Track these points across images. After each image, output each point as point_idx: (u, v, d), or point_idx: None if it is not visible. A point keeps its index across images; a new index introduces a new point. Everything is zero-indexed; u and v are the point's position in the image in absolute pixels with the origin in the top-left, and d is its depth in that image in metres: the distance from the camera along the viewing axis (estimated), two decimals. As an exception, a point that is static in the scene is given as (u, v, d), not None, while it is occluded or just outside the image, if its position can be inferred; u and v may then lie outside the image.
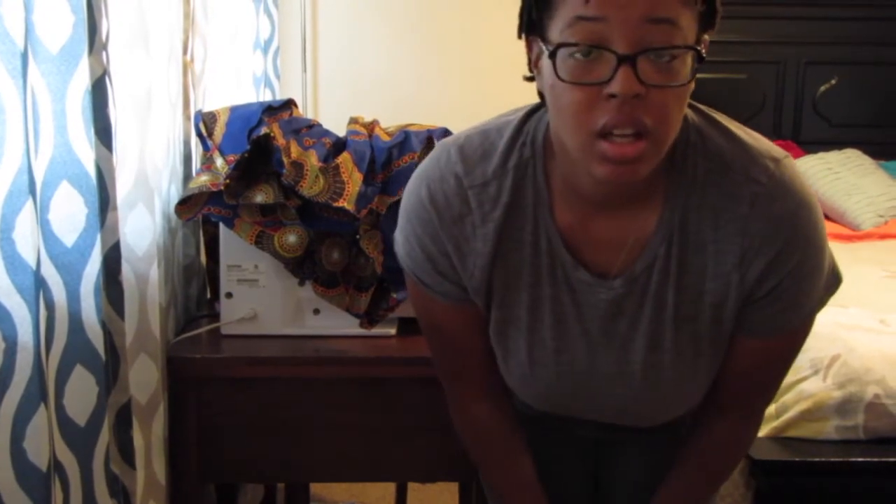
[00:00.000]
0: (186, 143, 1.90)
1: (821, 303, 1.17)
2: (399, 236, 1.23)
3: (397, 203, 1.41)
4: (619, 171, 1.00)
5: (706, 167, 1.10)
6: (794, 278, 1.11)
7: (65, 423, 1.26)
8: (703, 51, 1.01)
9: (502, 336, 1.21)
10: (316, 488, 2.75)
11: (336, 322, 1.75)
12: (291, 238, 1.68)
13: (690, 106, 1.12)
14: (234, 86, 2.34)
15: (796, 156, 3.51)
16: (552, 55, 0.99)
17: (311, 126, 1.81)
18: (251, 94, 2.55)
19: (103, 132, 1.28)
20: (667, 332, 1.14)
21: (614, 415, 1.27)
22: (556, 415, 1.33)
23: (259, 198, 1.65)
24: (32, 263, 1.13)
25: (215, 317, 1.81)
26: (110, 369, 1.33)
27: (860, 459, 1.73)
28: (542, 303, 1.16)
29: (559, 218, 1.14)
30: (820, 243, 1.12)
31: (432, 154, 1.18)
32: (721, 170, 1.10)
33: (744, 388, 1.24)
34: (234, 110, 1.81)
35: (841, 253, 2.88)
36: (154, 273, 1.55)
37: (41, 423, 1.15)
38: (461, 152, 1.15)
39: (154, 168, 1.57)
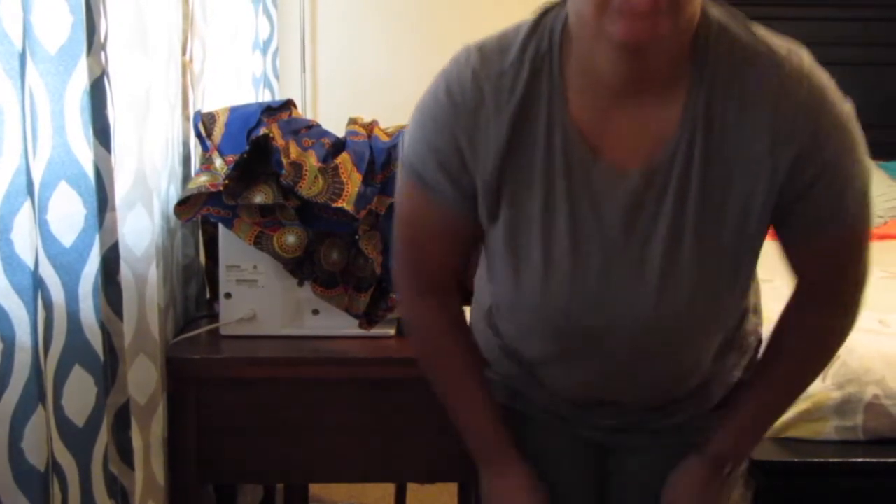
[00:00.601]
0: (185, 144, 1.90)
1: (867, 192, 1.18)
2: (407, 137, 1.20)
3: (397, 204, 1.41)
4: (635, 27, 0.99)
5: (730, 56, 1.09)
6: (835, 167, 1.10)
7: (63, 423, 1.26)
8: None
9: (514, 240, 1.16)
10: (315, 489, 2.75)
11: (335, 322, 1.75)
12: (290, 238, 1.68)
13: (713, 0, 1.12)
14: (233, 86, 2.34)
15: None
16: None
17: (311, 126, 1.81)
18: (250, 95, 2.55)
19: (102, 133, 1.28)
20: (687, 232, 1.10)
21: (628, 353, 1.20)
22: (564, 397, 1.30)
23: (258, 198, 1.65)
24: (31, 264, 1.13)
25: (214, 317, 1.81)
26: (109, 370, 1.33)
27: (859, 460, 1.72)
28: (558, 199, 1.12)
29: (576, 112, 1.11)
30: (852, 129, 1.12)
31: (453, 56, 1.17)
32: (746, 58, 1.09)
33: (823, 285, 1.21)
34: (234, 111, 1.81)
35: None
36: (153, 273, 1.54)
37: (39, 423, 1.14)
38: (480, 51, 1.14)
39: (153, 168, 1.57)
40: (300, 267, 1.71)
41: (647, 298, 1.14)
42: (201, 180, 1.69)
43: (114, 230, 1.32)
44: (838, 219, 1.14)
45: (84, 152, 1.25)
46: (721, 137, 1.09)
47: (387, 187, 1.70)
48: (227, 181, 1.64)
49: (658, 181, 1.10)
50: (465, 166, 1.15)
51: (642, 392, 1.27)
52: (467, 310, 1.38)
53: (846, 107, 1.12)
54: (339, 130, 1.83)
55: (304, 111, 3.15)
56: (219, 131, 1.76)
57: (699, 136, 1.09)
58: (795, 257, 1.19)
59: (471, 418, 1.32)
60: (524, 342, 1.27)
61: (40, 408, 1.15)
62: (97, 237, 1.27)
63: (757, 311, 1.32)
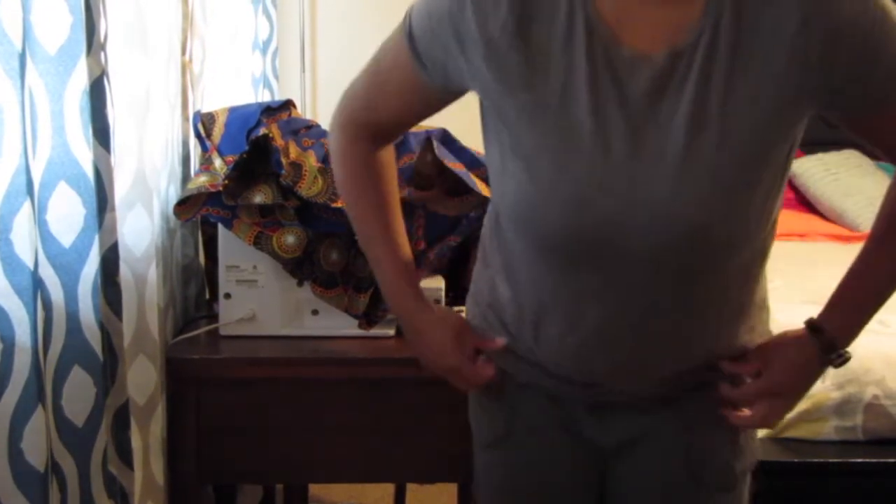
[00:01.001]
0: (185, 144, 1.90)
1: None
2: (421, 7, 1.17)
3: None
4: None
5: None
6: (878, 39, 1.05)
7: (62, 423, 1.26)
8: None
9: (530, 126, 1.11)
10: (314, 489, 2.75)
11: (335, 323, 1.75)
12: (290, 239, 1.68)
13: None
14: (232, 86, 2.34)
15: (795, 157, 3.51)
16: None
17: (310, 127, 1.81)
18: (250, 95, 2.55)
19: (101, 133, 1.28)
20: (710, 118, 1.07)
21: (642, 268, 1.12)
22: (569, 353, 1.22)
23: (258, 198, 1.65)
24: (30, 264, 1.13)
25: (214, 317, 1.81)
26: (108, 370, 1.33)
27: (859, 460, 1.72)
28: (578, 80, 1.08)
29: (598, 4, 1.08)
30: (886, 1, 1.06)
31: None
32: None
33: None
34: (233, 111, 1.81)
35: (839, 254, 2.88)
36: (152, 274, 1.54)
37: (39, 423, 1.14)
38: None
39: (152, 168, 1.57)
40: (300, 267, 1.71)
41: (666, 183, 1.08)
42: (201, 180, 1.69)
43: (113, 230, 1.32)
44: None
45: (83, 152, 1.25)
46: (748, 21, 1.05)
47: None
48: (226, 181, 1.64)
49: (682, 65, 1.06)
50: (464, 55, 1.12)
51: (647, 355, 1.20)
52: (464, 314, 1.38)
53: None
54: (339, 130, 1.83)
55: (304, 111, 3.15)
56: (218, 131, 1.76)
57: (725, 19, 1.05)
58: (882, 133, 1.15)
59: (382, 261, 1.33)
60: (527, 273, 1.21)
61: (40, 408, 1.15)
62: (96, 237, 1.27)
63: (766, 306, 1.29)
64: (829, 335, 1.21)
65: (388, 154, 1.33)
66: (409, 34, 1.17)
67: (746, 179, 1.09)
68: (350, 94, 1.30)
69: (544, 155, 1.10)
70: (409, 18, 1.18)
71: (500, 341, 1.26)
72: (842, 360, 1.21)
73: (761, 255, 1.21)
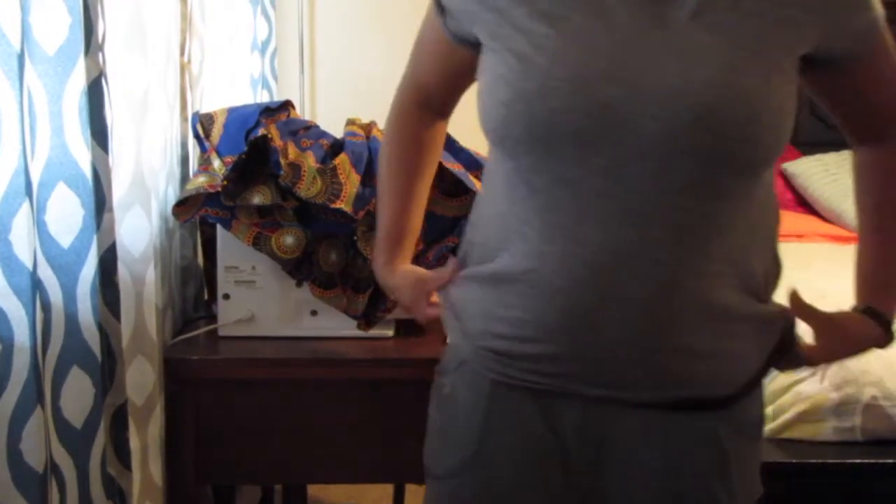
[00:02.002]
0: (184, 145, 1.90)
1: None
2: None
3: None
4: None
5: None
6: None
7: (61, 424, 1.26)
8: None
9: (536, 20, 1.07)
10: (313, 490, 2.75)
11: (333, 323, 1.75)
12: (289, 239, 1.68)
13: None
14: (231, 87, 2.34)
15: (794, 157, 3.51)
16: None
17: (309, 127, 1.81)
18: (248, 96, 2.55)
19: (99, 133, 1.28)
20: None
21: (657, 134, 1.03)
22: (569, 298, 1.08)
23: (257, 199, 1.65)
24: (29, 265, 1.13)
25: (212, 318, 1.81)
26: (107, 371, 1.33)
27: (857, 461, 1.73)
28: None
29: None
30: None
31: None
32: None
33: (883, 112, 1.19)
34: (232, 111, 1.81)
35: (838, 254, 2.89)
36: (151, 274, 1.54)
37: (38, 424, 1.14)
38: None
39: (151, 169, 1.57)
40: (298, 268, 1.71)
41: (673, 61, 1.03)
42: (199, 181, 1.69)
43: (111, 231, 1.32)
44: (873, 30, 1.12)
45: (82, 153, 1.25)
46: None
47: (385, 188, 1.70)
48: (225, 182, 1.64)
49: None
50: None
51: (638, 281, 1.07)
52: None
53: None
54: (338, 131, 1.83)
55: (303, 112, 3.15)
56: (217, 132, 1.76)
57: None
58: (850, 94, 1.17)
59: (387, 208, 1.37)
60: (518, 208, 1.11)
61: (39, 409, 1.15)
62: (95, 238, 1.27)
63: (779, 270, 1.25)
64: (886, 316, 1.22)
65: (436, 131, 1.37)
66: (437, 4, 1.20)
67: (754, 69, 1.04)
68: (403, 75, 1.35)
69: (547, 41, 1.06)
70: None
71: (450, 268, 1.24)
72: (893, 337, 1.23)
73: (774, 200, 1.18)
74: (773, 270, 1.22)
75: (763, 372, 1.19)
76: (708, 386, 1.13)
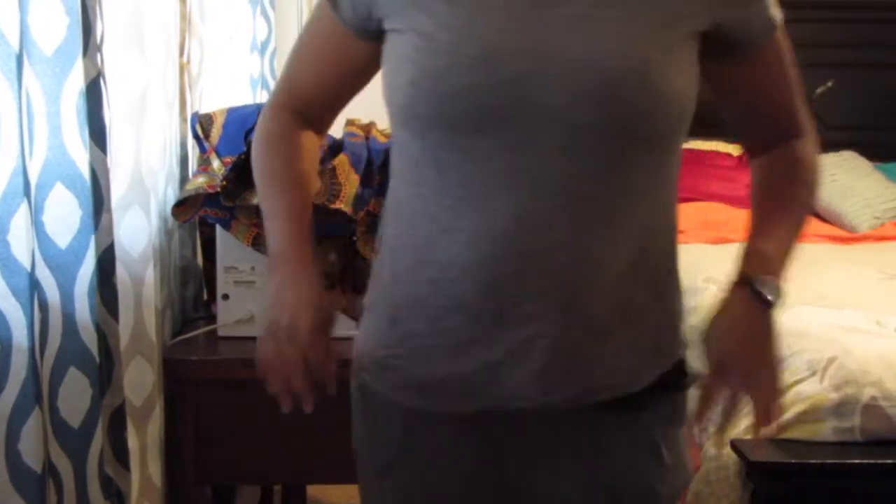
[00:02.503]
0: (183, 145, 1.90)
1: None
2: None
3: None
4: None
5: None
6: None
7: (59, 425, 1.26)
8: None
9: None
10: (312, 490, 2.75)
11: (332, 324, 1.75)
12: (288, 240, 1.68)
13: None
14: (230, 87, 2.34)
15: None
16: None
17: (308, 128, 1.81)
18: (248, 96, 2.55)
19: (98, 134, 1.27)
20: None
21: (563, 108, 1.03)
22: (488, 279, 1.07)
23: (256, 199, 1.65)
24: (27, 265, 1.13)
25: (212, 318, 1.81)
26: (105, 371, 1.33)
27: (857, 461, 1.72)
28: None
29: None
30: None
31: None
32: None
33: (774, 113, 1.21)
34: (231, 112, 1.81)
35: (837, 255, 2.89)
36: (150, 275, 1.54)
37: (36, 425, 1.14)
38: None
39: (150, 170, 1.57)
40: (297, 268, 1.70)
41: (576, 33, 1.04)
42: (199, 181, 1.69)
43: (110, 231, 1.32)
44: (772, 27, 1.15)
45: (80, 153, 1.25)
46: None
47: (384, 189, 1.70)
48: (224, 182, 1.64)
49: None
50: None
51: (558, 268, 1.07)
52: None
53: None
54: (337, 132, 1.82)
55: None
56: (216, 132, 1.76)
57: None
58: (746, 91, 1.19)
59: (276, 218, 1.22)
60: (426, 192, 1.10)
61: (36, 409, 1.15)
62: (93, 238, 1.27)
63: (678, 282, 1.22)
64: (759, 280, 1.16)
65: (311, 138, 1.26)
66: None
67: (654, 41, 1.06)
68: (274, 90, 1.28)
69: (451, 20, 1.06)
70: None
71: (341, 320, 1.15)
72: (778, 295, 1.17)
73: (674, 198, 1.17)
74: (672, 252, 1.20)
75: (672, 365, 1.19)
76: (619, 374, 1.14)
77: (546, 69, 1.03)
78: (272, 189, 1.23)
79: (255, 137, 1.27)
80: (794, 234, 1.22)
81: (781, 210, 1.23)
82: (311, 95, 1.24)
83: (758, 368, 1.17)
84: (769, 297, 1.16)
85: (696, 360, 1.21)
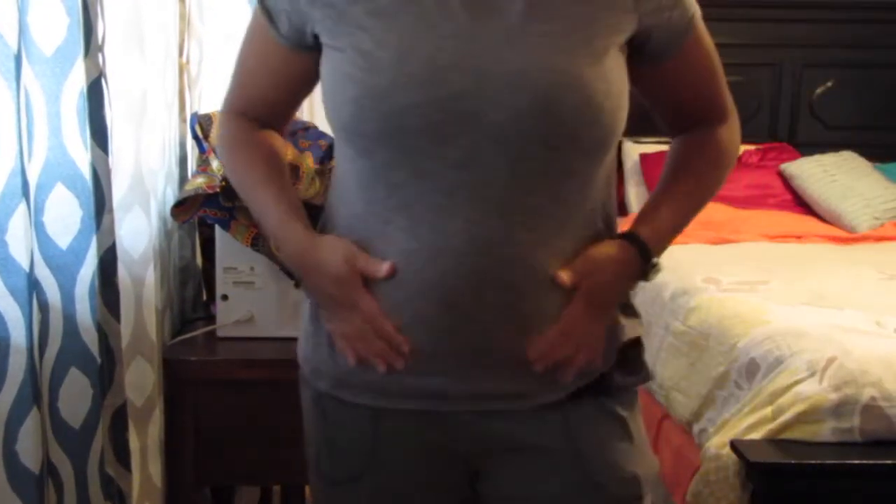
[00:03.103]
0: (182, 145, 1.90)
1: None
2: None
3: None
4: None
5: None
6: None
7: (59, 425, 1.26)
8: None
9: (375, 19, 1.08)
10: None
11: (332, 324, 1.75)
12: (287, 240, 1.68)
13: None
14: (230, 88, 2.34)
15: (792, 158, 3.51)
16: None
17: (307, 128, 1.81)
18: (247, 97, 2.54)
19: (99, 134, 1.27)
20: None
21: (504, 122, 1.05)
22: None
23: (255, 200, 1.65)
24: (25, 265, 1.13)
25: (211, 319, 1.81)
26: (106, 372, 1.33)
27: (856, 462, 1.72)
28: None
29: None
30: None
31: None
32: None
33: (698, 102, 1.23)
34: (230, 112, 1.81)
35: (836, 255, 2.89)
36: (150, 275, 1.54)
37: (34, 425, 1.14)
38: None
39: (149, 170, 1.57)
40: (297, 269, 1.70)
41: (512, 48, 1.06)
42: (198, 182, 1.69)
43: (111, 232, 1.32)
44: (692, 26, 1.17)
45: (80, 154, 1.25)
46: None
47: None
48: (223, 183, 1.64)
49: None
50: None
51: (506, 267, 1.09)
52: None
53: None
54: (336, 132, 1.83)
55: (301, 113, 3.15)
56: (216, 133, 1.76)
57: None
58: (671, 87, 1.21)
59: (269, 204, 1.21)
60: (369, 203, 1.11)
61: (35, 410, 1.15)
62: (94, 239, 1.27)
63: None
64: (645, 243, 1.18)
65: (271, 135, 1.26)
66: (262, 9, 1.17)
67: (586, 53, 1.09)
68: (228, 85, 1.28)
69: (390, 37, 1.07)
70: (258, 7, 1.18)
71: (388, 265, 1.09)
72: (655, 269, 1.19)
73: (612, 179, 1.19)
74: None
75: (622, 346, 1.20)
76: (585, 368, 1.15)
77: (485, 85, 1.05)
78: (253, 186, 1.23)
79: (220, 144, 1.28)
80: (689, 217, 1.25)
81: (687, 192, 1.24)
82: (259, 105, 1.24)
83: (602, 314, 1.16)
84: (654, 260, 1.18)
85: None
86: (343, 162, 1.15)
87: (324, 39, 1.12)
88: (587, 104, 1.07)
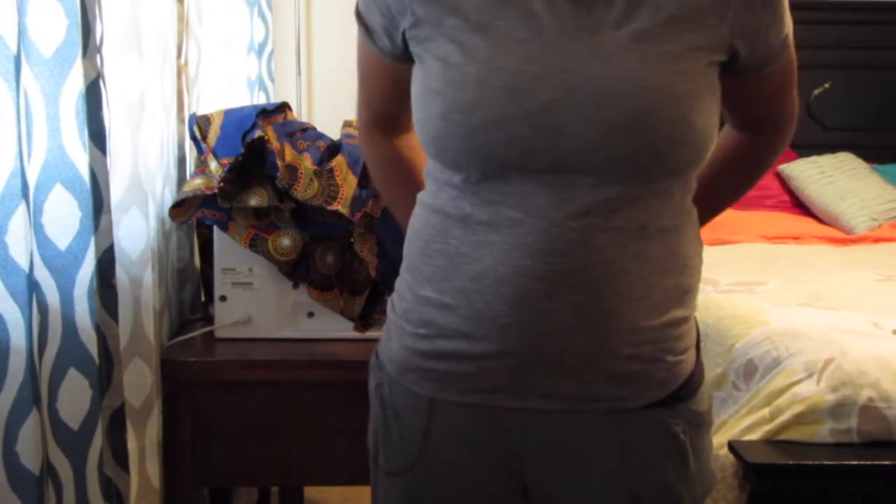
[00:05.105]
0: (180, 147, 1.90)
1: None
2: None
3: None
4: None
5: None
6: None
7: (58, 426, 1.26)
8: None
9: (465, 31, 1.09)
10: (310, 492, 2.75)
11: (330, 325, 1.75)
12: (286, 241, 1.68)
13: None
14: (228, 89, 2.34)
15: (789, 159, 3.51)
16: None
17: (306, 129, 1.81)
18: (245, 98, 2.55)
19: (97, 135, 1.27)
20: (644, 9, 1.08)
21: (592, 136, 1.06)
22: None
23: (253, 201, 1.65)
24: (25, 267, 1.13)
25: (209, 320, 1.81)
26: (104, 373, 1.33)
27: (854, 462, 1.72)
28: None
29: None
30: None
31: None
32: None
33: (770, 111, 1.27)
34: (228, 113, 1.81)
35: (835, 256, 2.89)
36: (148, 276, 1.54)
37: (34, 426, 1.14)
38: None
39: (148, 171, 1.57)
40: (295, 270, 1.71)
41: (601, 63, 1.06)
42: (196, 183, 1.69)
43: (109, 233, 1.32)
44: (785, 46, 1.18)
45: (79, 155, 1.25)
46: None
47: (382, 190, 1.70)
48: (222, 184, 1.64)
49: None
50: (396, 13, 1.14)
51: (587, 292, 1.10)
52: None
53: None
54: (335, 133, 1.83)
55: (299, 114, 3.15)
56: (214, 134, 1.76)
57: None
58: (752, 99, 1.23)
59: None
60: (458, 186, 1.13)
61: (35, 411, 1.15)
62: (92, 240, 1.27)
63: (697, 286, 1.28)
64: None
65: (402, 148, 1.33)
66: (356, 13, 1.20)
67: (679, 72, 1.08)
68: (357, 104, 1.34)
69: (478, 51, 1.08)
70: (357, 5, 1.20)
71: None
72: None
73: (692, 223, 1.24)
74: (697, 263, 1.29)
75: (700, 363, 1.22)
76: (655, 378, 1.15)
77: (572, 100, 1.05)
78: (396, 205, 1.36)
79: (367, 160, 1.40)
80: (718, 211, 1.37)
81: (725, 189, 1.35)
82: (388, 117, 1.30)
83: None
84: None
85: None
86: (433, 168, 1.18)
87: (414, 52, 1.14)
88: (677, 122, 1.07)
